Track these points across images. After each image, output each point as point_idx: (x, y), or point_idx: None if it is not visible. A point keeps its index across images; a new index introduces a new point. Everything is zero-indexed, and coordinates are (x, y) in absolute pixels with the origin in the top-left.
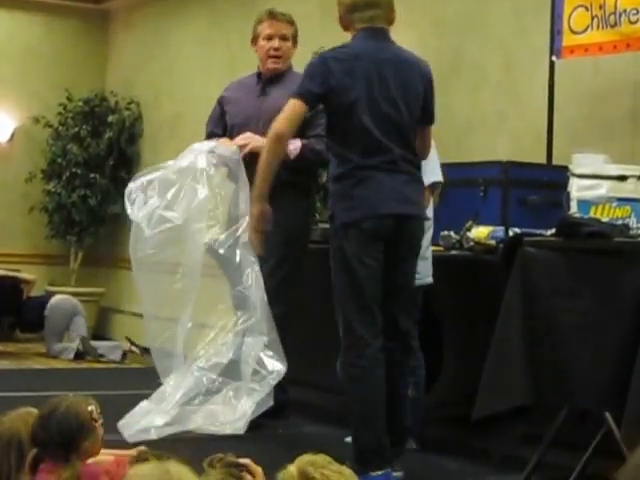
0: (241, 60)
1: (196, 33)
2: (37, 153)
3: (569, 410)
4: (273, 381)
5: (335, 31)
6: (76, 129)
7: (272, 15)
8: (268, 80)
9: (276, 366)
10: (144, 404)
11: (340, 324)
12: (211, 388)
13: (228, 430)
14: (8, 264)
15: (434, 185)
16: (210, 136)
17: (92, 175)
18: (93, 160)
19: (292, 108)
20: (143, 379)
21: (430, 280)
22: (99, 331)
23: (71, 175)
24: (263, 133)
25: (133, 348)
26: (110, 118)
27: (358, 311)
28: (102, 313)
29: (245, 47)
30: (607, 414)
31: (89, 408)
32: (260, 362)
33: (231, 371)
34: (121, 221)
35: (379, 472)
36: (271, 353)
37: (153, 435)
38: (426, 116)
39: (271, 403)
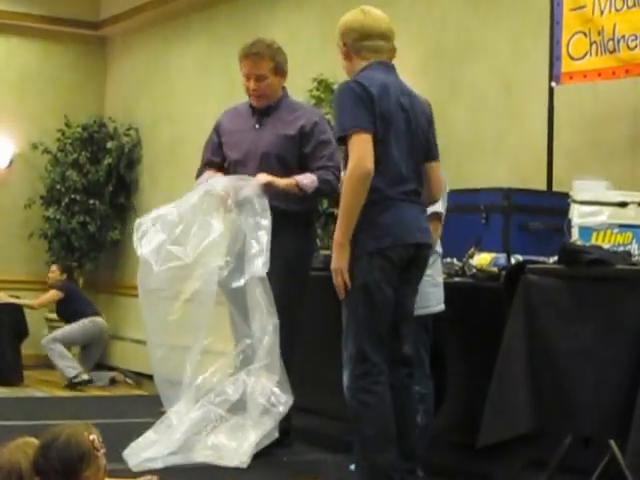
0: (240, 86)
1: (195, 58)
2: (36, 179)
3: (573, 437)
4: (280, 415)
5: (336, 55)
6: (75, 155)
7: (244, 54)
8: (263, 112)
9: (283, 399)
10: (149, 434)
11: (350, 351)
12: (218, 422)
13: (234, 463)
14: (8, 290)
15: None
16: (208, 164)
17: (91, 201)
18: (92, 186)
19: (362, 143)
20: (144, 407)
21: (442, 307)
22: (99, 358)
23: (70, 201)
24: (259, 167)
25: (128, 380)
26: (109, 144)
27: (373, 339)
28: None
29: None
30: (611, 441)
31: (91, 437)
32: (268, 397)
33: (239, 406)
34: (121, 247)
35: None
36: (279, 386)
37: (159, 464)
38: (432, 152)
39: (276, 435)
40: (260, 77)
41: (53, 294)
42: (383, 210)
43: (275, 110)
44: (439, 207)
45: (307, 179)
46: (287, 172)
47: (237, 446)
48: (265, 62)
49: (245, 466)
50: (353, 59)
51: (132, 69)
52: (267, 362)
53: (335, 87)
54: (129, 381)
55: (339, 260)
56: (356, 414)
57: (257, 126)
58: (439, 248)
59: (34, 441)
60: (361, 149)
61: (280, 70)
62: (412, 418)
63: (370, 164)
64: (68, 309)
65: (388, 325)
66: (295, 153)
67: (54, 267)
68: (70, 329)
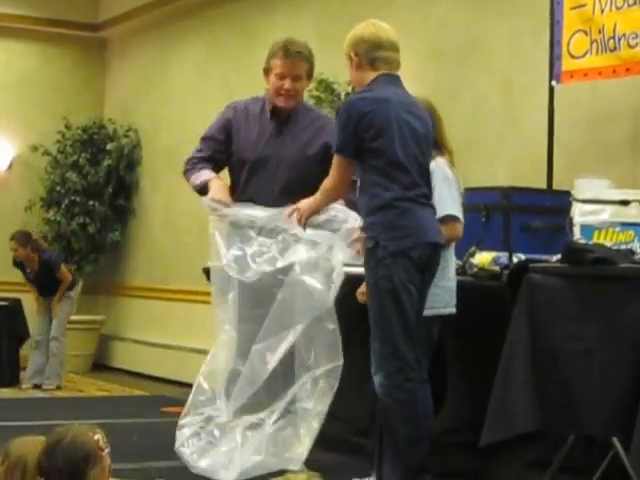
0: (238, 89)
1: (194, 61)
2: (36, 181)
3: (576, 436)
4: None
5: (332, 59)
6: (75, 157)
7: (286, 53)
8: (281, 118)
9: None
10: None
11: (382, 349)
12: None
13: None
14: (8, 292)
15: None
16: (208, 160)
17: (91, 203)
18: (92, 188)
19: (344, 171)
20: (144, 407)
21: (451, 310)
22: (99, 359)
23: (70, 203)
24: (279, 181)
25: None
26: (109, 146)
27: (406, 337)
28: (102, 341)
29: (242, 76)
30: (615, 439)
31: (95, 437)
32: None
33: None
34: (120, 248)
35: None
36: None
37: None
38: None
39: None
40: (297, 77)
41: (66, 278)
42: (401, 213)
43: (293, 118)
44: (450, 210)
45: (350, 224)
46: (309, 189)
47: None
48: (304, 62)
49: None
50: (365, 69)
51: (131, 71)
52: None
53: (335, 87)
54: None
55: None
56: (389, 411)
57: (277, 134)
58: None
59: (44, 440)
60: (341, 175)
61: (311, 73)
62: (430, 417)
63: (342, 193)
64: (53, 278)
65: (415, 323)
66: (317, 169)
67: (13, 244)
68: (66, 312)
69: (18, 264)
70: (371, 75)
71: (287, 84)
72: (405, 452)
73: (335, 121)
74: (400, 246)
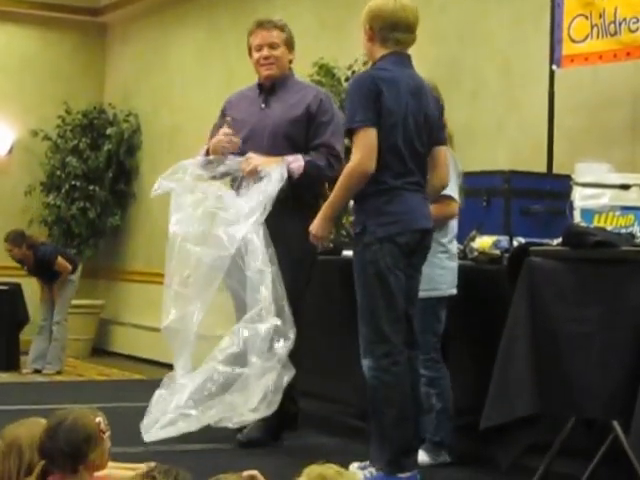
0: (239, 72)
1: (194, 45)
2: (36, 166)
3: (576, 419)
4: (284, 350)
5: (332, 43)
6: (75, 142)
7: (259, 24)
8: (269, 90)
9: (285, 336)
10: (160, 392)
11: (369, 333)
12: (225, 381)
13: (250, 417)
14: (8, 277)
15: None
16: (211, 133)
17: (91, 187)
18: (92, 172)
19: (368, 140)
20: (143, 391)
21: (452, 292)
22: (99, 343)
23: (70, 188)
24: (267, 147)
25: None
26: (109, 130)
27: (392, 321)
28: (102, 325)
29: (243, 60)
30: (615, 422)
31: (97, 420)
32: (268, 340)
33: (242, 360)
34: (120, 233)
35: (408, 474)
36: (278, 326)
37: (172, 433)
38: (441, 137)
39: (293, 372)
40: (273, 44)
41: (65, 269)
42: (390, 200)
43: (281, 88)
44: (452, 191)
45: (295, 162)
46: (296, 152)
47: (251, 399)
48: (277, 31)
49: (269, 412)
50: (375, 44)
51: (132, 56)
52: (262, 306)
53: (335, 71)
54: None
55: (322, 230)
56: (377, 394)
57: (263, 105)
58: (452, 232)
59: (42, 422)
60: (366, 148)
61: (290, 43)
62: (418, 399)
63: (372, 165)
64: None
65: (404, 309)
66: (303, 133)
67: (7, 245)
68: (69, 296)
69: (18, 261)
70: (380, 51)
71: (265, 52)
72: (392, 434)
73: (347, 93)
74: (387, 232)
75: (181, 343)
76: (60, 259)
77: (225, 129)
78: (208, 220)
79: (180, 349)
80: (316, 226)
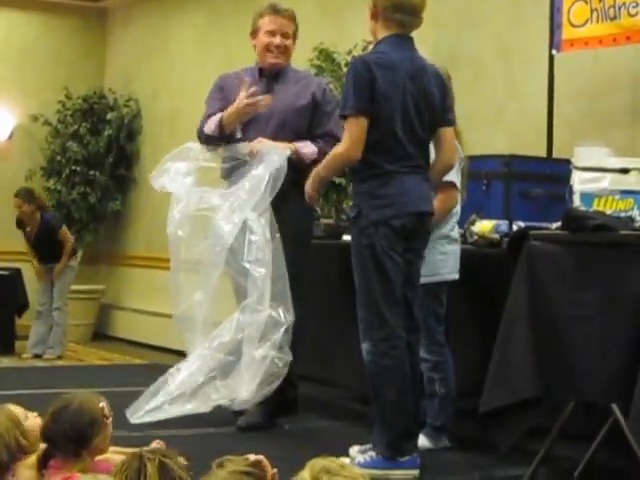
0: (239, 57)
1: (194, 30)
2: (36, 151)
3: (576, 402)
4: (281, 336)
5: (333, 29)
6: (75, 127)
7: (275, 10)
8: (271, 77)
9: (282, 322)
10: (150, 387)
11: (367, 317)
12: (222, 367)
13: (246, 401)
14: (9, 262)
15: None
16: (207, 103)
17: (92, 172)
18: (92, 157)
19: (357, 130)
20: (145, 375)
21: (454, 277)
22: (100, 328)
23: (71, 172)
24: (270, 133)
25: None
26: (109, 115)
27: (390, 305)
28: (103, 310)
29: (243, 44)
30: (614, 406)
31: (101, 404)
32: (265, 325)
33: (238, 346)
34: (121, 218)
35: (408, 457)
36: (277, 311)
37: (161, 416)
38: (447, 118)
39: (290, 357)
40: (286, 35)
41: (68, 243)
42: (385, 183)
43: (283, 76)
44: (452, 177)
45: (308, 148)
46: (299, 139)
47: (241, 385)
48: (291, 22)
49: (248, 406)
50: (378, 24)
51: (132, 41)
52: (260, 294)
53: (335, 56)
54: None
55: (310, 187)
56: (376, 378)
57: (266, 91)
58: (454, 217)
59: (15, 409)
60: (354, 137)
61: (296, 35)
62: (418, 382)
63: (357, 154)
64: (53, 240)
65: (402, 293)
66: (307, 121)
67: (18, 201)
68: (68, 282)
69: (20, 223)
70: (382, 32)
71: (277, 40)
72: (391, 418)
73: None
74: (381, 215)
75: (193, 331)
76: (65, 228)
77: (246, 91)
78: (207, 212)
79: (192, 337)
80: (307, 184)
